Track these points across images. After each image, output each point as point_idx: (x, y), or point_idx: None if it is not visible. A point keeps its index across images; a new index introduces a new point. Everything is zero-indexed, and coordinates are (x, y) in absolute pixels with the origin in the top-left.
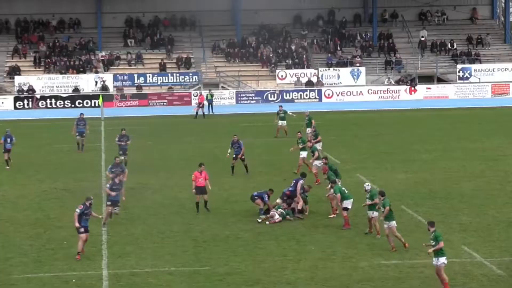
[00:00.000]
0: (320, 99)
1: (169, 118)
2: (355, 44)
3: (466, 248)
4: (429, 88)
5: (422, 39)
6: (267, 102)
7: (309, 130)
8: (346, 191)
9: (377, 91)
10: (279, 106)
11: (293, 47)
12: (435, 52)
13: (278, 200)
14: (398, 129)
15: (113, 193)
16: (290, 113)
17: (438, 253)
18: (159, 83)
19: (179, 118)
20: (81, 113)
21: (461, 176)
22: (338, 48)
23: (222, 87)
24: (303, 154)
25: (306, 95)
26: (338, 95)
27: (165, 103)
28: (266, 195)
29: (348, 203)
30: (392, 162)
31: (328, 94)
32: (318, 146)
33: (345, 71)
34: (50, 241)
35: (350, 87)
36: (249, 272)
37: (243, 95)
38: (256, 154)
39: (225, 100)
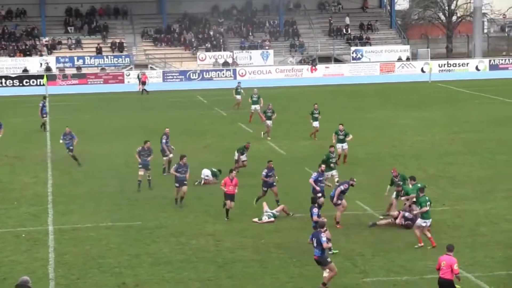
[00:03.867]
0: (235, 77)
1: (105, 94)
2: (264, 30)
3: (360, 203)
4: (328, 67)
5: (347, 23)
6: (189, 80)
7: (255, 107)
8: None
9: (283, 70)
10: (238, 82)
11: (211, 33)
12: (332, 36)
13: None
14: (302, 103)
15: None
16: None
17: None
18: (96, 64)
19: (114, 95)
20: (45, 96)
21: (356, 142)
22: (250, 34)
23: (151, 67)
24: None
25: (223, 74)
26: (250, 74)
27: (101, 82)
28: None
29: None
30: (298, 131)
31: (242, 73)
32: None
33: (256, 53)
34: (2, 201)
35: (260, 67)
36: (175, 225)
37: (169, 74)
38: (180, 125)
39: (153, 79)
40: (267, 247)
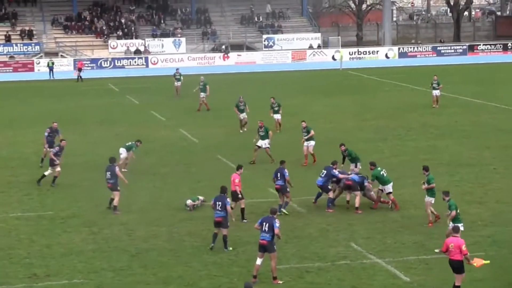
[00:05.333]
0: (147, 66)
1: (14, 83)
2: (176, 17)
3: (272, 190)
4: (240, 55)
5: (268, 11)
6: (101, 68)
7: (203, 95)
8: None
9: (196, 58)
10: (176, 69)
11: (123, 21)
12: (244, 24)
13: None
14: (214, 91)
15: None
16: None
17: (454, 219)
18: (4, 52)
19: (23, 83)
20: None
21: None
22: (162, 21)
23: (61, 55)
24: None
25: (135, 62)
26: (162, 62)
27: (11, 70)
28: None
29: (389, 187)
30: (209, 118)
31: (154, 61)
32: None
33: (168, 41)
34: None
35: (173, 55)
36: (87, 215)
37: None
38: (93, 113)
39: (64, 67)
40: (180, 235)
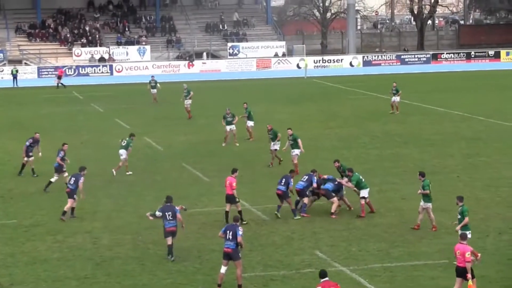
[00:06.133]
0: (112, 73)
1: None
2: (141, 25)
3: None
4: (204, 63)
5: (235, 19)
6: (65, 76)
7: (188, 102)
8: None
9: (161, 65)
10: (152, 76)
11: (87, 28)
12: (209, 32)
13: None
14: (179, 98)
15: None
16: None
17: (464, 227)
18: None
19: None
20: None
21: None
22: (127, 29)
23: (25, 63)
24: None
25: (99, 69)
26: (127, 70)
27: None
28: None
29: (364, 192)
30: (174, 126)
31: (119, 69)
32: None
33: (132, 49)
34: None
35: (137, 63)
36: (51, 223)
37: (44, 70)
38: (57, 121)
39: (28, 75)
40: (145, 244)
